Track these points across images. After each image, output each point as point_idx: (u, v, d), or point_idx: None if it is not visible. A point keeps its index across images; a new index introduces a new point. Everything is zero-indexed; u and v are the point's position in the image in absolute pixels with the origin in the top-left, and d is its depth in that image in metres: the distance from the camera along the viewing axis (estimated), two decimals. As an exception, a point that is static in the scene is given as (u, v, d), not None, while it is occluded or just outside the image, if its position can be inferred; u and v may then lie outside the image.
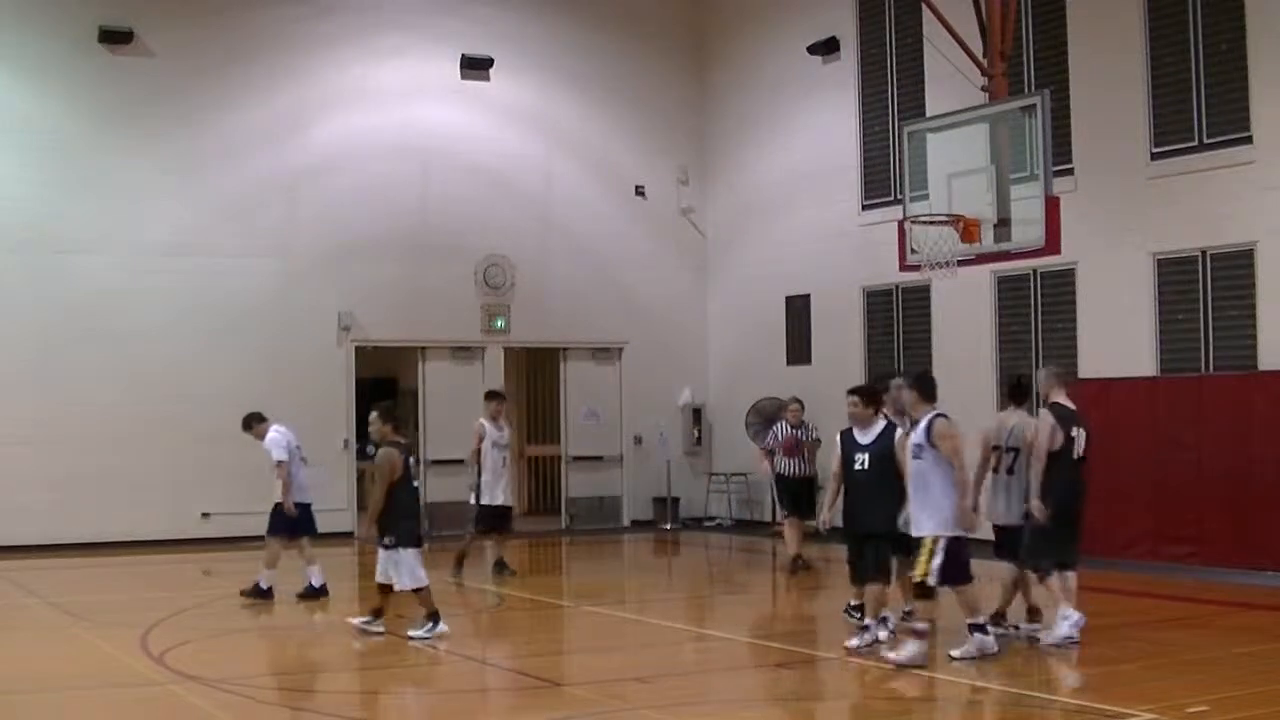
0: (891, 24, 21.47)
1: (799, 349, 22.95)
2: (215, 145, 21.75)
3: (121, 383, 20.37)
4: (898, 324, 21.29)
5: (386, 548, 12.23)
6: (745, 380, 23.09)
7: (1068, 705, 9.33)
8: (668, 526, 23.50)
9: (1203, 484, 16.40)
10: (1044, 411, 11.73)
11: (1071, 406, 11.77)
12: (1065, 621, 11.28)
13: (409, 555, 12.18)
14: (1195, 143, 17.16)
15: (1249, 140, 16.59)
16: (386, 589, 12.30)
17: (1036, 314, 19.18)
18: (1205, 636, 12.20)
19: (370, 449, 12.64)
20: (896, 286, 20.87)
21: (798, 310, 23.07)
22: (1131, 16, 17.78)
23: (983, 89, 16.38)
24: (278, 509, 14.83)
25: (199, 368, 21.04)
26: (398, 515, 12.24)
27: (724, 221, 24.72)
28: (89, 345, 20.56)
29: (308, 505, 14.97)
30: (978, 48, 16.66)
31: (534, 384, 25.98)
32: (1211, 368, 17.02)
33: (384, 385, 27.22)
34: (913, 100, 20.74)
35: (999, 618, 11.80)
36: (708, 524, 23.62)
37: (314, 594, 14.71)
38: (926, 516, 10.70)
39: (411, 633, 12.11)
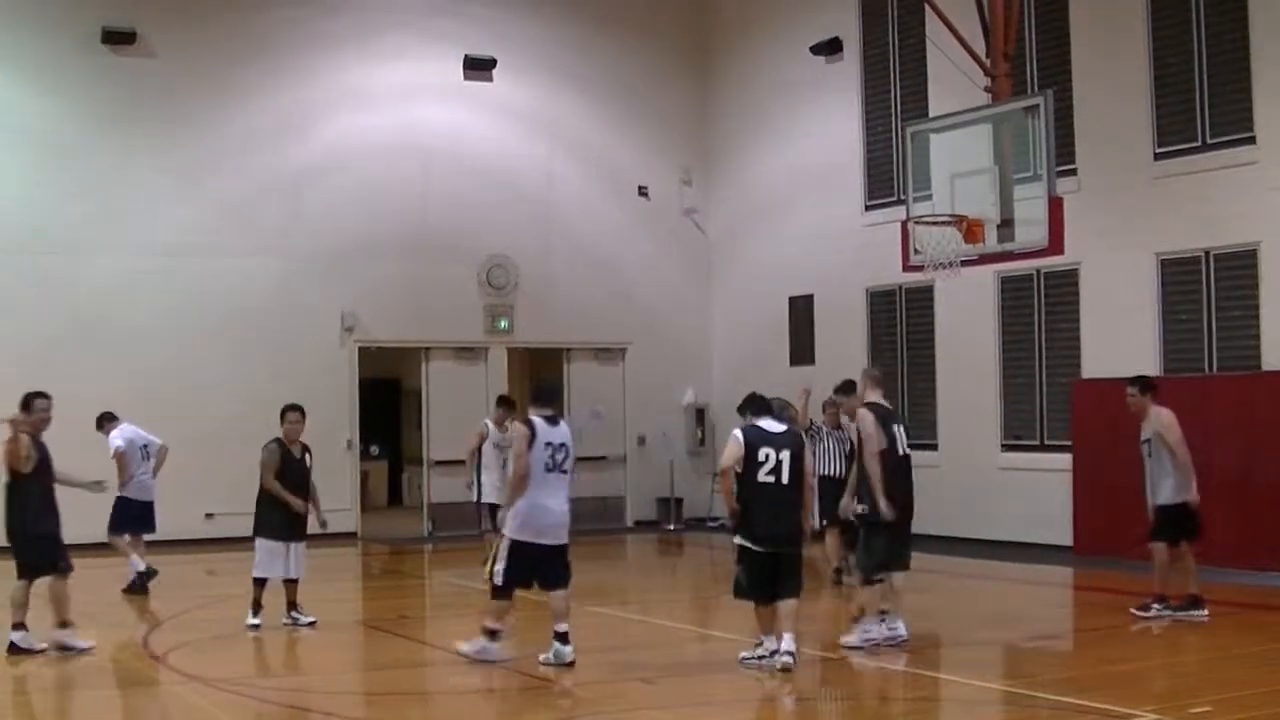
0: (894, 24, 21.46)
1: (802, 349, 22.94)
2: (218, 145, 21.77)
3: (123, 383, 20.33)
4: (901, 324, 21.28)
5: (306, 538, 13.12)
6: (748, 380, 22.95)
7: (1070, 705, 9.32)
8: (671, 527, 23.50)
9: (1205, 484, 16.26)
10: (863, 411, 11.66)
11: (888, 405, 11.77)
12: (862, 632, 11.32)
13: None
14: (1198, 143, 17.15)
15: (1252, 140, 16.58)
16: (292, 582, 13.05)
17: (1040, 314, 19.17)
18: (1208, 637, 12.18)
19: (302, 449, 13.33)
20: (900, 287, 20.86)
21: (801, 310, 23.06)
22: (1134, 17, 17.77)
23: (986, 89, 16.39)
24: (119, 505, 15.41)
25: (201, 368, 21.06)
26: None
27: (727, 222, 24.72)
28: (91, 345, 20.56)
29: (149, 504, 15.67)
30: (981, 48, 16.66)
31: (535, 384, 25.94)
32: (1215, 368, 17.01)
33: (387, 386, 27.33)
34: (916, 101, 20.73)
35: (1160, 599, 12.56)
36: (711, 524, 23.60)
37: (143, 582, 15.32)
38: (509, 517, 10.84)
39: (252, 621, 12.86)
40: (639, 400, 24.31)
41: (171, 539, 19.90)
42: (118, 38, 21.04)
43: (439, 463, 22.75)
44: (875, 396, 11.76)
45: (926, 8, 18.42)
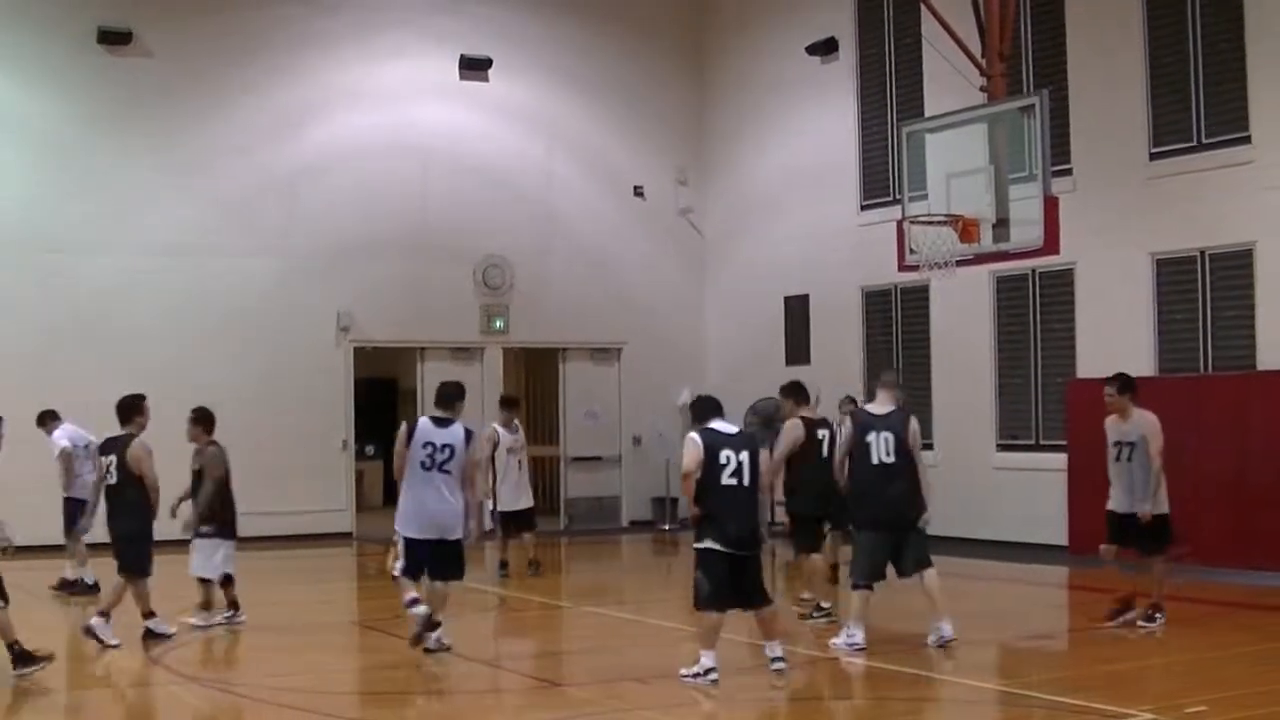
0: (890, 24, 21.47)
1: (798, 349, 22.95)
2: (214, 145, 21.76)
3: (120, 382, 20.04)
4: (896, 324, 21.30)
5: (205, 536, 13.17)
6: (744, 380, 23.07)
7: (1066, 705, 9.33)
8: (666, 527, 23.49)
9: (1201, 484, 16.39)
10: (846, 419, 12.35)
11: (877, 411, 11.77)
12: (847, 636, 11.38)
13: (229, 546, 13.22)
14: (1194, 143, 17.17)
15: (1247, 140, 16.60)
16: (208, 581, 13.24)
17: (1035, 314, 19.19)
18: (1203, 636, 12.21)
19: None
20: (895, 286, 20.88)
21: (796, 310, 23.07)
22: (1130, 16, 17.79)
23: (981, 89, 16.42)
24: (68, 505, 15.51)
25: (198, 368, 21.01)
26: (223, 508, 13.26)
27: (723, 221, 24.73)
28: (88, 345, 20.54)
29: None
30: (976, 48, 16.69)
31: (533, 384, 25.99)
32: (1210, 368, 17.03)
33: (383, 386, 27.30)
34: (911, 100, 20.75)
35: (1158, 606, 12.17)
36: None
37: (88, 590, 15.29)
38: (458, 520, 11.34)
39: (195, 621, 13.00)
40: (634, 400, 24.31)
41: (167, 538, 19.91)
42: (114, 38, 21.03)
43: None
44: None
45: (922, 7, 18.45)
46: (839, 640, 11.37)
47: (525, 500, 17.04)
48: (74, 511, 15.35)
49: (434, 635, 11.24)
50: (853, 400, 16.04)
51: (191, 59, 21.61)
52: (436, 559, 11.27)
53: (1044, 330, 19.09)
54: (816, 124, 22.73)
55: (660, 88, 24.86)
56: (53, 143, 20.90)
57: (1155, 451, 12.11)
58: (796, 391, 13.42)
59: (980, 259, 15.64)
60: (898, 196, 17.30)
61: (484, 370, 23.38)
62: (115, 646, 11.87)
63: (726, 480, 10.22)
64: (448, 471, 11.17)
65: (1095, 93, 18.24)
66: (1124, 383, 12.44)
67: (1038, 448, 19.07)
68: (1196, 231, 17.06)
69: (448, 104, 23.39)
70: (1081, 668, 10.86)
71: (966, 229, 14.65)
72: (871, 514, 11.52)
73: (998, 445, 19.66)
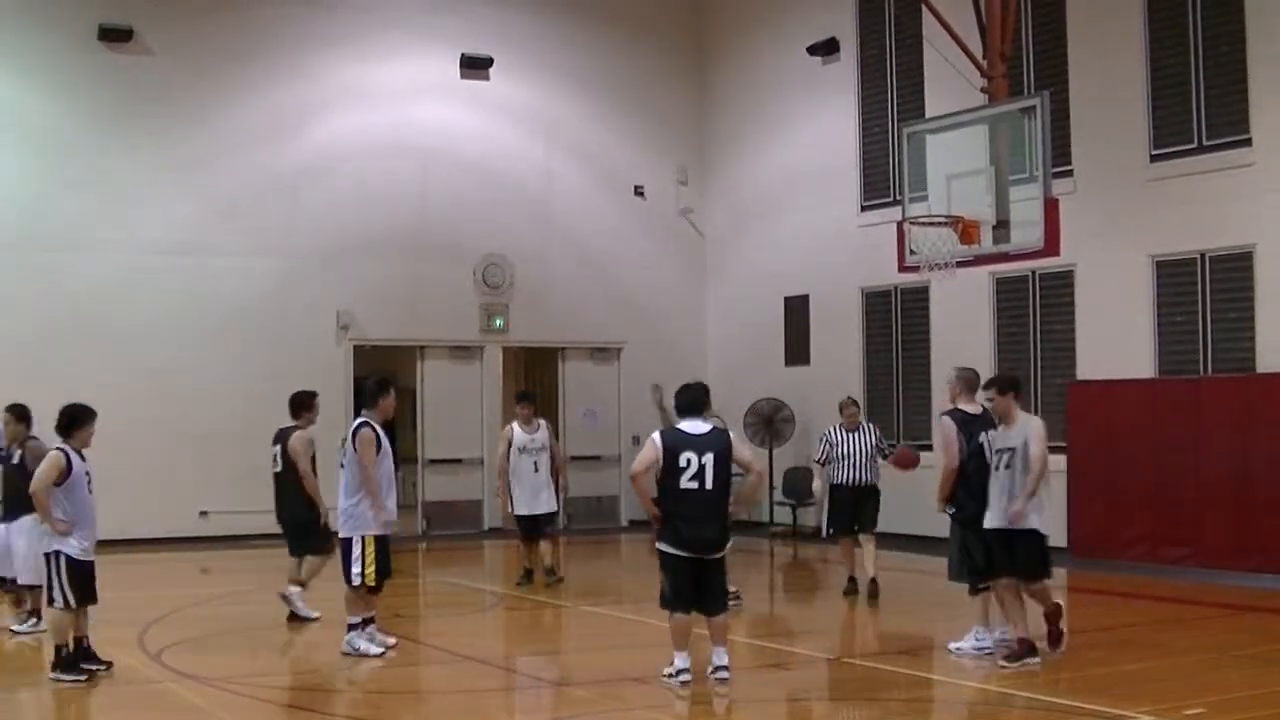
0: (891, 25, 21.47)
1: (798, 350, 22.95)
2: (214, 143, 21.74)
3: (119, 381, 20.31)
4: (896, 325, 21.29)
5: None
6: (744, 381, 23.06)
7: (1066, 706, 9.33)
8: (665, 527, 23.42)
9: (1201, 486, 16.42)
10: (945, 419, 11.63)
11: (973, 411, 11.61)
12: (975, 640, 11.29)
13: None
14: (1195, 145, 17.17)
15: (1248, 143, 16.60)
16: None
17: (1035, 316, 19.19)
18: (1202, 638, 12.20)
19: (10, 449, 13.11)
20: (895, 287, 20.87)
21: (796, 311, 23.06)
22: (1131, 18, 17.79)
23: (982, 90, 16.41)
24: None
25: (197, 366, 21.04)
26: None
27: (723, 222, 24.72)
28: (87, 343, 20.51)
29: None
30: (977, 49, 16.69)
31: (532, 384, 25.95)
32: (1210, 370, 17.03)
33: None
34: (912, 101, 20.75)
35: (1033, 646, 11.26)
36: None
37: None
38: (346, 518, 11.51)
39: (15, 627, 12.51)
40: (634, 400, 24.22)
41: (166, 537, 19.94)
42: (114, 35, 21.01)
43: (434, 461, 22.76)
44: (963, 403, 11.60)
45: (923, 8, 18.44)
46: (963, 644, 11.22)
47: (543, 504, 15.69)
48: None
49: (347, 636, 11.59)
50: (854, 402, 15.81)
51: (192, 57, 21.60)
52: None
53: (1044, 332, 19.08)
54: (817, 124, 22.73)
55: (661, 87, 24.85)
56: (53, 140, 20.88)
57: (1037, 455, 10.73)
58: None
59: (980, 260, 15.64)
60: (898, 197, 17.29)
61: (483, 369, 23.39)
62: (317, 618, 13.00)
63: (686, 483, 10.09)
64: (341, 466, 11.80)
65: (1096, 94, 18.23)
66: (1004, 384, 11.16)
67: (1037, 449, 19.03)
68: (1197, 233, 17.06)
69: (448, 103, 23.37)
70: (1081, 669, 10.84)
71: (967, 230, 14.65)
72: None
73: (997, 447, 19.63)
